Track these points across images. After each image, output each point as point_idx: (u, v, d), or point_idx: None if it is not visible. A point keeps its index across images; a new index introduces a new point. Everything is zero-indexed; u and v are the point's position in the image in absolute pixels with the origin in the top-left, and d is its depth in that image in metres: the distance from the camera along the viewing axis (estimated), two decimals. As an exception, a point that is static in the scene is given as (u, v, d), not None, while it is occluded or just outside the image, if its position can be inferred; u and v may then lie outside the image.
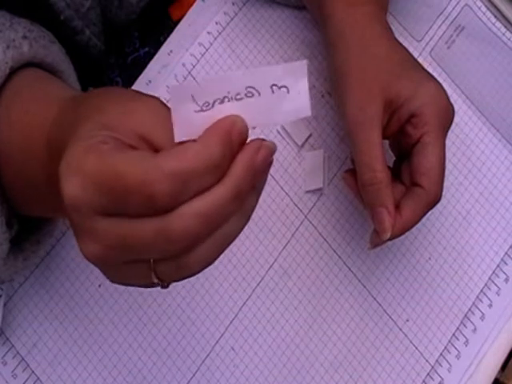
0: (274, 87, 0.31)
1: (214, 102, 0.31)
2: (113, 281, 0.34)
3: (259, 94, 0.31)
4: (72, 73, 0.47)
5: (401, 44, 0.51)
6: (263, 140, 0.32)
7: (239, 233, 0.33)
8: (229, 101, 0.31)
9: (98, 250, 0.31)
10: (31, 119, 0.38)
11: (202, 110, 0.31)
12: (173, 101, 0.30)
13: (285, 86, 0.31)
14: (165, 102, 0.33)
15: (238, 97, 0.31)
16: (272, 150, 0.32)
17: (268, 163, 0.32)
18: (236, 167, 0.31)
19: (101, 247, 0.31)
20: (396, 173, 0.51)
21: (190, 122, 0.31)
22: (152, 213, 0.30)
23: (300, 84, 0.31)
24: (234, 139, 0.31)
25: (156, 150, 0.32)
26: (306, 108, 0.32)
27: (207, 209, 0.30)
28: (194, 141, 0.30)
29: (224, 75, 0.30)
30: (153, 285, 0.33)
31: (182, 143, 0.31)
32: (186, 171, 0.29)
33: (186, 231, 0.30)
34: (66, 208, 0.31)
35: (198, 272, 0.33)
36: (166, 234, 0.30)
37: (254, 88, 0.31)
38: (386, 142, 0.53)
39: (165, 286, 0.34)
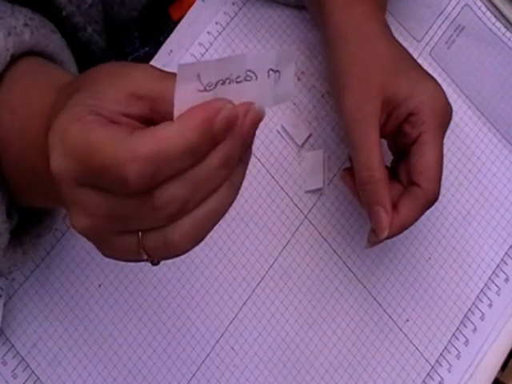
0: (271, 71, 0.32)
1: (217, 83, 0.31)
2: (105, 254, 0.34)
3: (256, 77, 0.31)
4: (72, 63, 0.47)
5: (399, 43, 0.51)
6: (251, 104, 0.31)
7: (227, 208, 0.33)
8: (229, 83, 0.31)
9: (87, 221, 0.31)
10: (31, 105, 0.38)
11: (205, 90, 0.31)
12: (179, 78, 0.30)
13: (278, 71, 0.32)
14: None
15: (238, 79, 0.31)
16: (260, 114, 0.32)
17: (255, 128, 0.32)
18: None
19: (89, 218, 0.31)
20: (394, 172, 0.51)
21: (191, 101, 0.31)
22: (125, 194, 0.30)
23: (288, 69, 0.32)
24: (217, 125, 0.30)
25: (151, 105, 0.32)
26: (291, 93, 0.33)
27: (195, 174, 0.30)
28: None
29: (229, 56, 0.31)
30: (143, 260, 0.33)
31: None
32: (159, 155, 0.29)
33: (173, 197, 0.30)
34: (53, 178, 0.31)
35: (187, 249, 0.33)
36: (153, 200, 0.30)
37: (253, 72, 0.31)
38: (384, 141, 0.53)
39: (155, 263, 0.34)
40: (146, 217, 0.31)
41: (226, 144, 0.31)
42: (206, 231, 0.33)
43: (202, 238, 0.33)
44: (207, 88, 0.31)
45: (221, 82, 0.31)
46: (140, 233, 0.32)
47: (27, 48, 0.41)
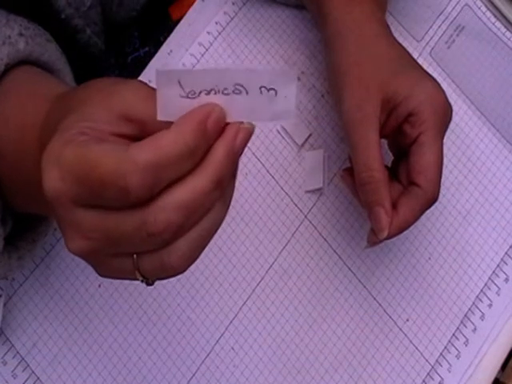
0: (263, 89, 0.31)
1: (200, 93, 0.31)
2: (100, 274, 0.34)
3: (247, 92, 0.31)
4: (68, 72, 0.47)
5: (399, 43, 0.51)
6: (241, 123, 0.32)
7: (221, 223, 0.33)
8: (215, 93, 0.31)
9: (82, 243, 0.31)
10: (25, 116, 0.38)
11: (187, 97, 0.31)
12: (158, 82, 0.30)
13: (273, 89, 0.31)
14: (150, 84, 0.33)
15: (226, 91, 0.31)
16: (250, 131, 0.32)
17: (245, 146, 0.32)
18: (216, 154, 0.31)
19: (84, 240, 0.31)
20: (394, 172, 0.51)
21: (173, 105, 0.31)
22: (128, 205, 0.30)
23: (288, 89, 0.32)
24: (209, 127, 0.31)
25: (142, 127, 0.32)
26: (290, 113, 0.32)
27: (189, 200, 0.30)
28: (169, 126, 0.30)
29: (214, 69, 0.30)
30: (138, 280, 0.33)
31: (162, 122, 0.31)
32: (158, 162, 0.29)
33: (168, 223, 0.30)
34: (48, 201, 0.31)
35: (183, 270, 0.33)
36: (148, 227, 0.30)
37: (242, 86, 0.31)
38: (385, 141, 0.53)
39: (149, 284, 0.34)
40: (142, 242, 0.31)
41: (218, 167, 0.31)
42: (202, 249, 0.33)
43: (198, 257, 0.33)
44: (189, 96, 0.31)
45: (205, 91, 0.31)
46: (135, 255, 0.32)
47: (22, 57, 0.41)
